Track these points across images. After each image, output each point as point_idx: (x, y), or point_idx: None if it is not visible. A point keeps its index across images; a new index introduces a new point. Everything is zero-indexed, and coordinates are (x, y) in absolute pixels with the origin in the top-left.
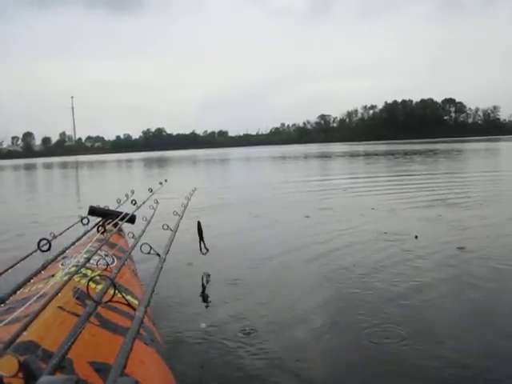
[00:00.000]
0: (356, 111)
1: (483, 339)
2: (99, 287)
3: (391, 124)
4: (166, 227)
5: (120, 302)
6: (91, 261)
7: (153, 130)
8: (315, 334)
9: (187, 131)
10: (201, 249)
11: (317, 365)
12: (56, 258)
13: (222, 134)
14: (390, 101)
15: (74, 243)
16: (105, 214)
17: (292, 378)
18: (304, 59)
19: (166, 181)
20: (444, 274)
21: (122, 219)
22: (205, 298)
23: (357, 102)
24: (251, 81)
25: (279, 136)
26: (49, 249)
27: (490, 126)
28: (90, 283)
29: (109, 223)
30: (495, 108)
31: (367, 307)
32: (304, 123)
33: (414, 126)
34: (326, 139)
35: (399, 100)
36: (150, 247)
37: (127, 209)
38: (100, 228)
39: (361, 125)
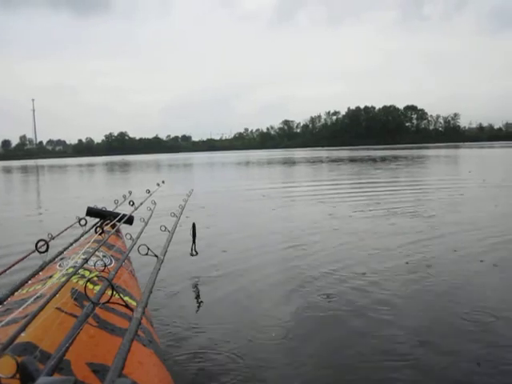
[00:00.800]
0: (319, 117)
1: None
2: (97, 288)
3: (354, 130)
4: (163, 228)
5: (118, 303)
6: (89, 262)
7: (115, 134)
8: None
9: (150, 136)
10: (192, 251)
11: None
12: (54, 259)
13: (186, 138)
14: (353, 107)
15: (71, 244)
16: (102, 215)
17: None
18: (269, 65)
19: (163, 182)
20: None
21: (119, 220)
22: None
23: (320, 108)
24: (216, 85)
25: (243, 141)
26: (46, 250)
27: (451, 133)
28: (88, 284)
29: (107, 224)
30: (456, 115)
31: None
32: (267, 128)
33: (377, 132)
34: (289, 145)
35: (362, 106)
36: (148, 248)
37: (125, 210)
38: (98, 229)
39: (324, 130)
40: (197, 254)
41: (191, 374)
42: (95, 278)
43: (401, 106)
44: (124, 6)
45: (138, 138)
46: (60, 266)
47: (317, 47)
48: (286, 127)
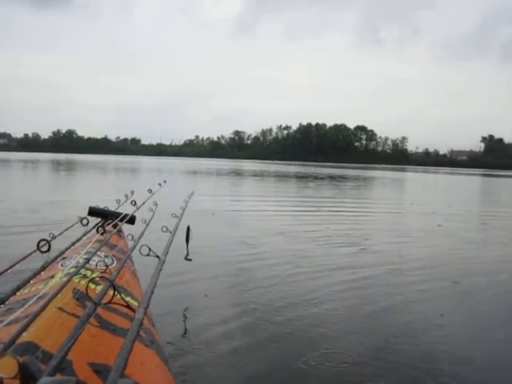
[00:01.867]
0: (271, 130)
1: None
2: (99, 288)
3: (304, 146)
4: (164, 229)
5: (120, 304)
6: (91, 262)
7: (63, 131)
8: None
9: (99, 136)
10: (187, 255)
11: None
12: (55, 258)
13: (135, 141)
14: (304, 123)
15: (73, 244)
16: (104, 215)
17: None
18: (225, 74)
19: (165, 182)
20: None
21: (121, 220)
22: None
23: (272, 122)
24: (169, 91)
25: (192, 148)
26: (48, 249)
27: (398, 156)
28: (90, 284)
29: (108, 224)
30: (404, 139)
31: None
32: (218, 138)
33: (327, 149)
34: (239, 155)
35: (313, 123)
36: (149, 249)
37: (126, 210)
38: (100, 229)
39: (275, 144)
40: (190, 260)
41: (193, 374)
42: (97, 278)
43: (351, 125)
44: (85, 3)
45: (86, 137)
46: (62, 265)
47: (273, 62)
48: (236, 138)
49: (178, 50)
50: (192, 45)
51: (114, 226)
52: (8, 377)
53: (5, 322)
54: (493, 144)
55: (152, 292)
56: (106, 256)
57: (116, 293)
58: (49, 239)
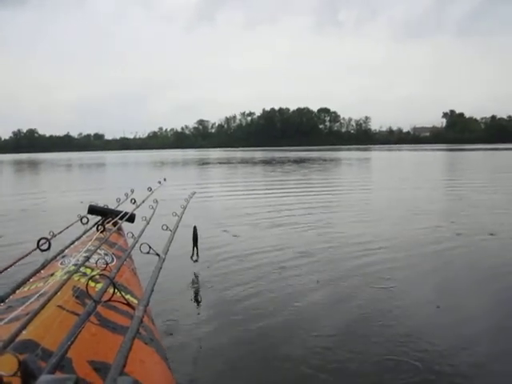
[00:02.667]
0: (234, 117)
1: None
2: (99, 286)
3: (269, 131)
4: (165, 227)
5: (119, 302)
6: (91, 260)
7: (24, 130)
8: None
9: (61, 133)
10: (193, 255)
11: None
12: (55, 256)
13: (98, 137)
14: (268, 108)
15: (73, 242)
16: (104, 213)
17: None
18: (186, 65)
19: (164, 180)
20: None
21: (121, 218)
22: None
23: (236, 109)
24: (131, 84)
25: (157, 140)
26: (48, 248)
27: (362, 136)
28: (90, 282)
29: (108, 222)
30: (367, 118)
31: None
32: (182, 128)
33: (291, 133)
34: (204, 144)
35: (277, 108)
36: (150, 247)
37: (127, 208)
38: (99, 227)
39: (239, 131)
40: (197, 259)
41: (192, 372)
42: (97, 276)
43: (314, 108)
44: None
45: (48, 135)
46: (62, 263)
47: (234, 49)
48: (200, 127)
49: (138, 42)
50: (152, 36)
51: (114, 225)
52: (8, 374)
53: (5, 320)
54: (454, 119)
55: (152, 290)
56: (105, 254)
57: (116, 291)
58: (49, 237)
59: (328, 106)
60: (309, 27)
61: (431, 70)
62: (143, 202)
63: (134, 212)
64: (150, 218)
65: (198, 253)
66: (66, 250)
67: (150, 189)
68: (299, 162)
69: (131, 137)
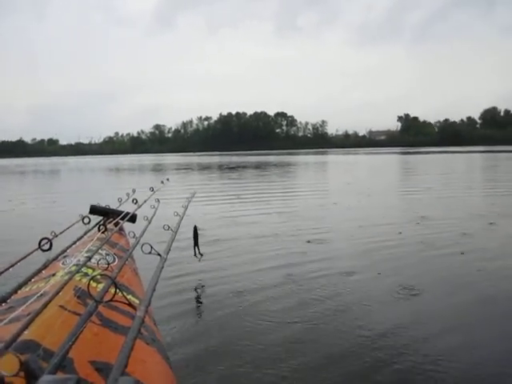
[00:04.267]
0: (191, 122)
1: None
2: (100, 286)
3: (226, 135)
4: (166, 227)
5: (121, 302)
6: (92, 260)
7: None
8: None
9: (14, 138)
10: (195, 253)
11: None
12: (57, 257)
13: (53, 142)
14: (224, 113)
15: (74, 242)
16: (106, 213)
17: None
18: (144, 69)
19: (167, 179)
20: None
21: (122, 218)
22: None
23: (193, 113)
24: (87, 89)
25: (113, 145)
26: (50, 248)
27: (319, 140)
28: (91, 282)
29: (110, 222)
30: (323, 122)
31: None
32: (138, 133)
33: (248, 137)
34: (161, 149)
35: (234, 112)
36: (151, 247)
37: (128, 208)
38: (101, 227)
39: (196, 136)
40: (202, 255)
41: (194, 372)
42: (98, 276)
43: (271, 112)
44: None
45: (0, 140)
46: (63, 263)
47: (193, 54)
48: (157, 132)
49: (95, 47)
50: (109, 41)
51: (116, 225)
52: (9, 375)
53: (6, 320)
54: (409, 122)
55: (153, 290)
56: (107, 254)
57: (117, 291)
58: (50, 237)
59: (285, 111)
60: (269, 32)
61: (387, 74)
62: (145, 202)
63: (136, 212)
64: (152, 218)
65: (199, 251)
66: (68, 250)
67: (151, 189)
68: (257, 167)
69: (86, 142)
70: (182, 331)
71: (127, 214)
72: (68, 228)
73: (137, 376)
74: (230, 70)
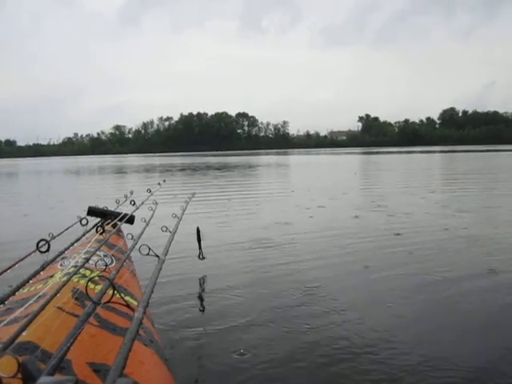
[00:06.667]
0: (152, 122)
1: None
2: (98, 288)
3: (187, 136)
4: (164, 229)
5: (119, 303)
6: (90, 261)
7: None
8: None
9: None
10: (199, 255)
11: None
12: (55, 258)
13: (10, 143)
14: (186, 113)
15: (72, 244)
16: (104, 215)
17: None
18: (103, 69)
19: (164, 181)
20: None
21: (120, 220)
22: None
23: (153, 114)
24: (45, 89)
25: (72, 146)
26: (48, 249)
27: (281, 140)
28: (89, 284)
29: (108, 224)
30: (285, 123)
31: None
32: (98, 133)
33: (210, 138)
34: (121, 150)
35: (195, 112)
36: (149, 248)
37: (126, 209)
38: (99, 228)
39: (157, 136)
40: (204, 258)
41: (192, 373)
42: (96, 278)
43: (233, 113)
44: None
45: None
46: (61, 265)
47: (157, 54)
48: (117, 132)
49: (54, 46)
50: (70, 39)
51: (114, 226)
52: (7, 376)
53: (4, 322)
54: (369, 123)
55: (151, 291)
56: (105, 256)
57: (115, 292)
58: (48, 239)
59: (247, 111)
60: (233, 32)
61: (348, 75)
62: (142, 203)
63: (134, 213)
64: (150, 220)
65: (202, 253)
66: (66, 252)
67: (149, 190)
68: (219, 168)
69: (45, 143)
70: (180, 332)
71: (125, 215)
72: (66, 230)
73: (135, 377)
74: (193, 69)
